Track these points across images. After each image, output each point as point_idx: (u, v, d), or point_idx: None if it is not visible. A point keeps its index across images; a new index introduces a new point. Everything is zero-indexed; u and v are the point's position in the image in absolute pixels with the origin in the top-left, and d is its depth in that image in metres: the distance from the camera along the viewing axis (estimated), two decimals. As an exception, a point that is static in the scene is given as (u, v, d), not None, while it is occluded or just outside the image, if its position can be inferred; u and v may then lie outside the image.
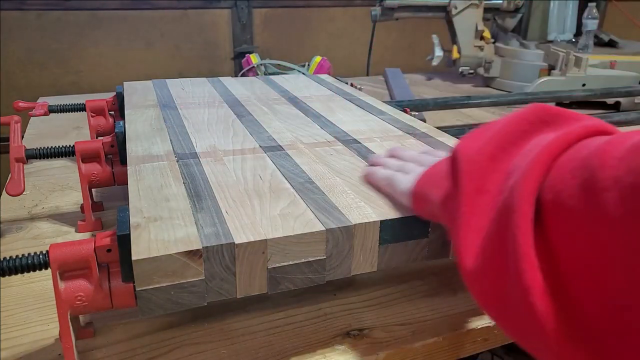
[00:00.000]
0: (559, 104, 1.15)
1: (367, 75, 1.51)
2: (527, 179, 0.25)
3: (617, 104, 1.15)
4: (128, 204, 0.38)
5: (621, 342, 0.21)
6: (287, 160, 0.49)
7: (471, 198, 0.29)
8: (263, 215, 0.37)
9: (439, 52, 1.33)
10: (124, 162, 0.53)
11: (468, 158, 0.31)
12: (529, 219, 0.24)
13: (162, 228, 0.35)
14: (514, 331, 0.26)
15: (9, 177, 0.52)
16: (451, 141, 0.55)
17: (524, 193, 0.24)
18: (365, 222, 0.37)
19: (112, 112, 0.73)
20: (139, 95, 0.73)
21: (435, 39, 1.34)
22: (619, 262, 0.20)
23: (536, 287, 0.23)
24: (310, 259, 0.36)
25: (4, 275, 0.34)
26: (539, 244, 0.24)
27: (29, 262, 0.34)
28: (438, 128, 0.60)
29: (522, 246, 0.23)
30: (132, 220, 0.36)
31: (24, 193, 0.52)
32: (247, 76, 1.39)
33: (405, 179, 0.40)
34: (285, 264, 0.36)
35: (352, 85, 0.85)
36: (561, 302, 0.23)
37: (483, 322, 0.42)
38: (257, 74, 1.45)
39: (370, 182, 0.44)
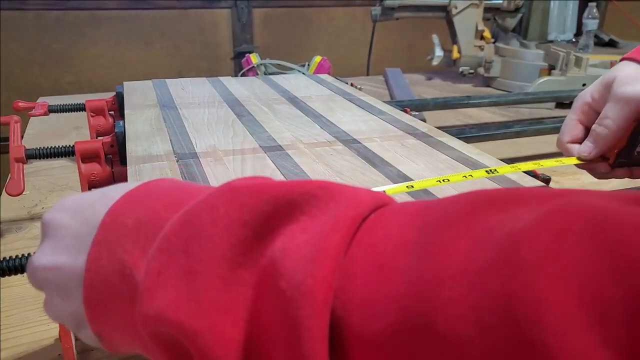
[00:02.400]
0: (559, 104, 1.16)
1: (367, 75, 1.51)
2: (309, 298, 0.17)
3: (617, 103, 1.16)
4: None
5: None
6: (287, 160, 0.49)
7: None
8: (263, 215, 0.37)
9: (439, 52, 1.33)
10: (123, 162, 0.53)
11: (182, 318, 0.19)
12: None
13: (162, 228, 0.35)
14: None
15: (8, 177, 0.52)
16: (452, 141, 0.55)
17: (312, 318, 0.17)
18: (366, 222, 0.37)
19: (112, 112, 0.73)
20: (139, 95, 0.72)
21: (435, 38, 1.34)
22: None
23: None
24: (311, 259, 0.36)
25: (4, 275, 0.34)
26: None
27: (29, 262, 0.34)
28: (438, 128, 0.60)
29: None
30: (132, 220, 0.36)
31: (23, 193, 0.52)
32: (247, 76, 1.39)
33: None
34: (286, 264, 0.36)
35: (352, 85, 0.85)
36: None
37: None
38: (257, 74, 1.45)
39: None
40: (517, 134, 0.79)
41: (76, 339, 0.36)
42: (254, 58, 1.47)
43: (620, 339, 0.13)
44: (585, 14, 1.32)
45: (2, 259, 0.34)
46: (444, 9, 1.32)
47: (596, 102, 0.48)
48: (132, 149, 0.51)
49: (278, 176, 0.45)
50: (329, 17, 1.87)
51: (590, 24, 1.31)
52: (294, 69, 1.44)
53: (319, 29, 1.87)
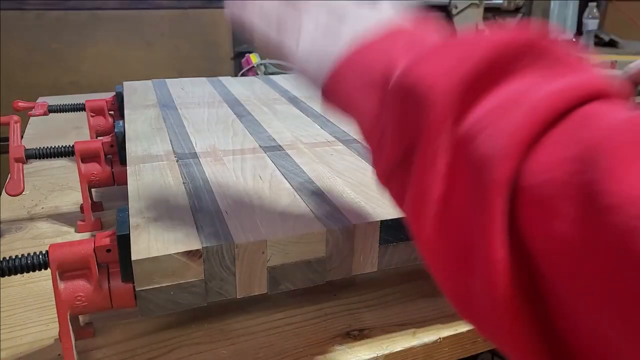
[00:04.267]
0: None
1: (367, 75, 1.51)
2: (508, 147, 0.19)
3: (617, 103, 1.15)
4: (128, 204, 0.38)
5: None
6: (287, 160, 0.49)
7: (431, 150, 0.22)
8: (263, 215, 0.37)
9: (439, 52, 1.33)
10: (123, 162, 0.53)
11: (435, 92, 0.22)
12: (503, 198, 0.19)
13: (161, 228, 0.35)
14: (476, 321, 0.23)
15: (8, 177, 0.52)
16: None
17: (501, 167, 0.19)
18: (365, 222, 0.37)
19: (112, 112, 0.73)
20: (139, 95, 0.72)
21: (435, 38, 1.34)
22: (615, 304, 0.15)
23: (501, 274, 0.19)
24: (310, 259, 0.36)
25: (3, 275, 0.34)
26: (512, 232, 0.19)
27: (29, 262, 0.34)
28: (438, 128, 0.60)
29: (491, 229, 0.19)
30: (132, 220, 0.36)
31: (23, 193, 0.52)
32: (247, 76, 1.39)
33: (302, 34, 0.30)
34: (285, 264, 0.36)
35: (352, 85, 0.84)
36: (532, 311, 0.19)
37: (483, 322, 0.42)
38: (257, 74, 1.45)
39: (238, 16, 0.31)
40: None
41: (76, 339, 0.36)
42: (254, 58, 1.47)
43: None
44: (585, 14, 1.32)
45: (2, 259, 0.34)
46: (444, 9, 1.32)
47: None
48: (132, 149, 0.51)
49: (278, 176, 0.45)
50: (329, 17, 1.87)
51: (591, 23, 1.31)
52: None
53: (319, 29, 1.87)
